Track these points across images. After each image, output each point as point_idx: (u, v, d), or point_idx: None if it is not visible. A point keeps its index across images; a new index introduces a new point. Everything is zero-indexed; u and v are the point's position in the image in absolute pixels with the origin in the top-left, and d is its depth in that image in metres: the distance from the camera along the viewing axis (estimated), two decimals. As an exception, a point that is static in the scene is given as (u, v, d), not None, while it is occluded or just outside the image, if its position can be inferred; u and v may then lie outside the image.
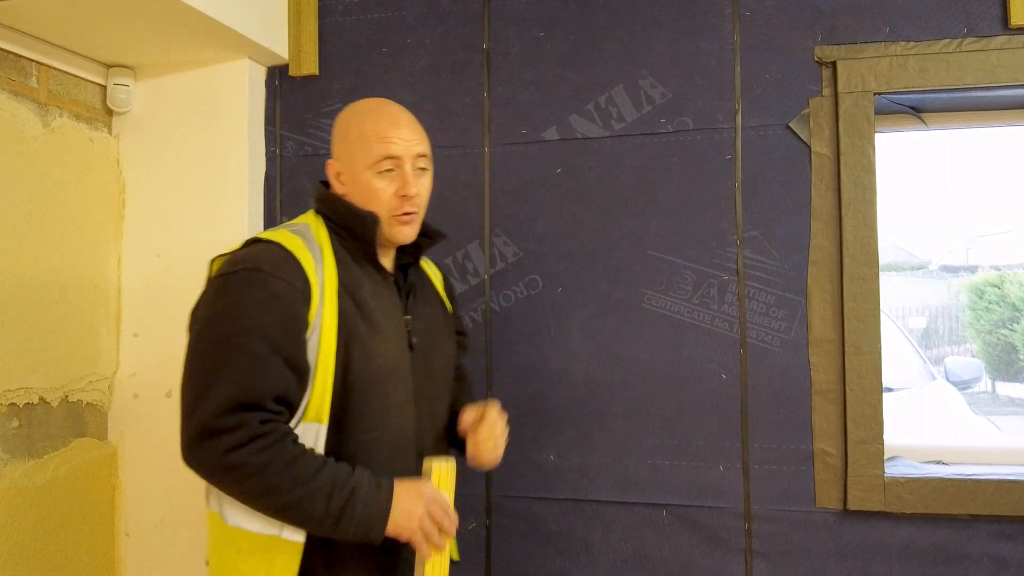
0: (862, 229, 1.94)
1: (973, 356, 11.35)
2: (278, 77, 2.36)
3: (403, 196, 1.46)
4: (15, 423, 2.03)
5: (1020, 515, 1.84)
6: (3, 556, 1.98)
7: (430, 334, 1.58)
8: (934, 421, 3.50)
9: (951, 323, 12.92)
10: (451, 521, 1.38)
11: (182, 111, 2.36)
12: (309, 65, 2.32)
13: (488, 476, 2.14)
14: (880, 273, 1.93)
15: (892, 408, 3.68)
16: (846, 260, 1.94)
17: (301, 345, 1.34)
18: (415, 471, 1.46)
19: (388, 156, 1.44)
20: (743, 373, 2.01)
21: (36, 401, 2.09)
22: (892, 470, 1.95)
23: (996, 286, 10.27)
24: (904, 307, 13.87)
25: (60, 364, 2.16)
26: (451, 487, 1.44)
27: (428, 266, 1.76)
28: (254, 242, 1.41)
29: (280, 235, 1.41)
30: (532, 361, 2.13)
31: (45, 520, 2.10)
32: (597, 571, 2.06)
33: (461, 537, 2.14)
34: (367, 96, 2.26)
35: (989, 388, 11.03)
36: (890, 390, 3.80)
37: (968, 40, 1.93)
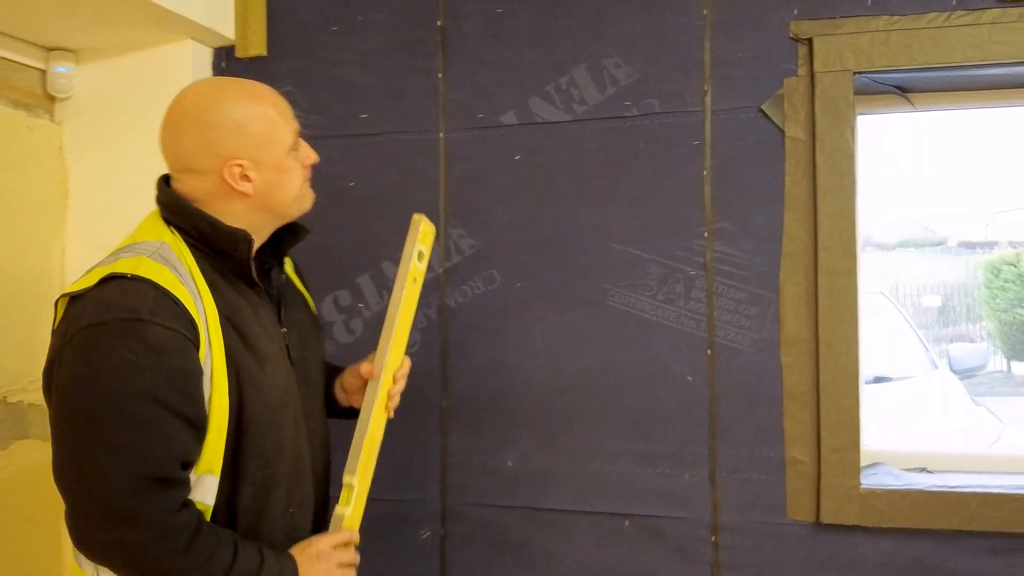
0: (839, 219, 1.79)
1: (989, 335, 11.15)
2: (225, 59, 2.23)
3: (309, 163, 1.40)
4: (-56, 427, 1.94)
5: (1007, 530, 1.71)
6: (-70, 567, 1.89)
7: (304, 342, 1.46)
8: (933, 413, 3.36)
9: (969, 301, 12.69)
10: (355, 558, 1.36)
11: (126, 96, 2.24)
12: (257, 46, 2.19)
13: (443, 482, 2.02)
14: (857, 268, 1.79)
15: (890, 399, 3.59)
16: (821, 253, 1.80)
17: (198, 400, 1.19)
18: (314, 493, 1.40)
19: (297, 131, 1.36)
20: (711, 374, 1.88)
21: (-29, 403, 2.00)
22: (870, 479, 1.82)
23: (1013, 264, 10.04)
24: (921, 285, 13.65)
25: (-2, 363, 2.06)
26: (429, 245, 1.53)
27: None
28: (112, 278, 1.17)
29: (144, 266, 1.18)
30: (490, 360, 2.00)
31: (-20, 528, 2.01)
32: (557, 583, 1.95)
33: (415, 546, 2.03)
34: (318, 78, 2.15)
35: (1005, 368, 10.85)
36: (889, 380, 3.66)
37: (957, 13, 1.77)
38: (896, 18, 1.79)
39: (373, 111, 2.10)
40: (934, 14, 1.78)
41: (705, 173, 1.89)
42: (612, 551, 1.92)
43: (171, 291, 1.18)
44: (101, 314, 1.14)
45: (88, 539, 1.15)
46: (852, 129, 1.80)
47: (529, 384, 1.98)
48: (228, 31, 2.20)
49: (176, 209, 1.29)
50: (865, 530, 1.78)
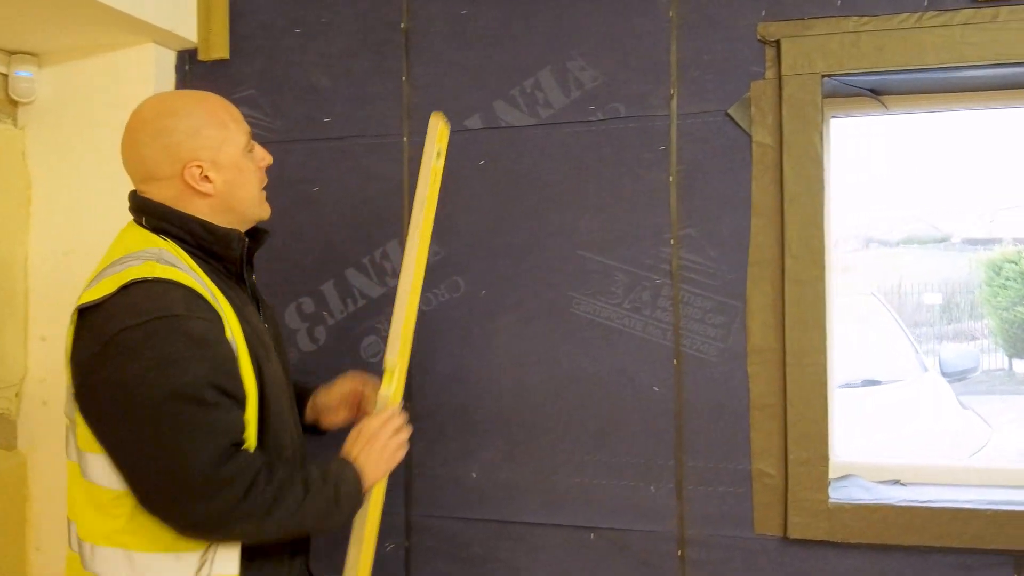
0: (807, 227, 1.74)
1: (991, 333, 11.07)
2: (188, 62, 2.19)
3: (263, 165, 1.45)
4: None
5: (977, 547, 1.66)
6: None
7: (279, 339, 1.53)
8: (919, 418, 3.30)
9: (972, 298, 12.61)
10: (401, 423, 1.47)
11: (89, 100, 2.20)
12: (219, 48, 2.15)
13: (407, 494, 1.98)
14: (826, 276, 1.74)
15: (877, 404, 3.54)
16: (788, 261, 1.75)
17: (240, 381, 1.27)
18: None
19: (249, 133, 1.42)
20: (677, 385, 1.84)
21: (-75, 414, 1.96)
22: (840, 493, 1.77)
23: (1014, 262, 9.96)
24: (923, 282, 13.58)
25: (-46, 373, 2.03)
26: (446, 144, 1.64)
27: None
28: (133, 284, 1.21)
29: (158, 269, 1.23)
30: (454, 369, 1.96)
31: (-65, 540, 1.98)
32: (522, 597, 1.91)
33: (379, 559, 1.99)
34: (281, 81, 2.11)
35: (1006, 366, 10.79)
36: (878, 383, 3.62)
37: (929, 14, 1.72)
38: (866, 19, 1.75)
39: (336, 115, 2.06)
40: (905, 15, 1.73)
41: (671, 179, 1.85)
42: (578, 565, 1.88)
43: (193, 288, 1.24)
44: (137, 316, 1.19)
45: (190, 517, 1.20)
46: (821, 134, 1.75)
47: (494, 394, 1.94)
48: (191, 34, 2.16)
49: (166, 215, 1.32)
50: (834, 545, 1.74)
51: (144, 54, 2.16)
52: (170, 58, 2.20)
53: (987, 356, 11.00)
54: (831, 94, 1.89)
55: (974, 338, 11.79)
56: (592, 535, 1.87)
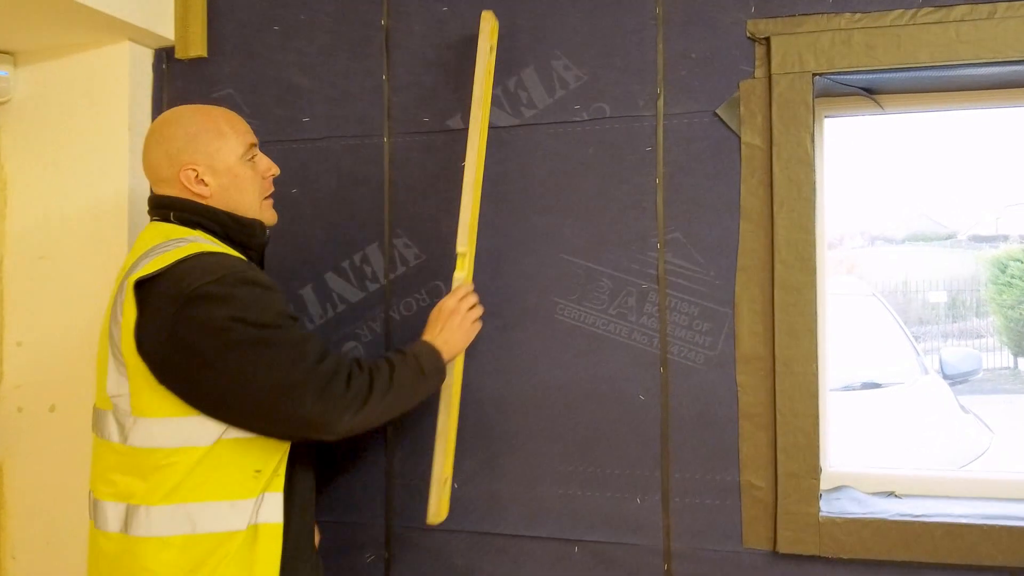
0: (797, 232, 1.68)
1: (996, 331, 10.99)
2: (165, 60, 2.13)
3: (269, 176, 1.59)
4: None
5: (971, 563, 1.60)
6: None
7: None
8: (918, 423, 3.24)
9: (978, 296, 12.52)
10: (475, 300, 1.71)
11: (65, 100, 2.15)
12: (196, 47, 2.10)
13: (388, 504, 1.93)
14: (817, 282, 1.68)
15: (875, 408, 3.48)
16: (778, 267, 1.69)
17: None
18: None
19: (251, 144, 1.54)
20: (664, 393, 1.78)
21: None
22: (832, 505, 1.72)
23: (1020, 260, 9.87)
24: (928, 280, 13.50)
25: (-77, 380, 1.99)
26: (496, 40, 1.81)
27: None
28: (187, 258, 1.35)
29: (207, 247, 1.40)
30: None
31: (-96, 552, 1.93)
32: (505, 611, 1.86)
33: (359, 571, 1.94)
34: (260, 81, 2.06)
35: (1011, 364, 10.71)
36: (878, 386, 3.55)
37: (924, 11, 1.66)
38: (859, 16, 1.69)
39: (315, 115, 2.01)
40: (899, 12, 1.67)
41: (658, 181, 1.79)
42: (561, 578, 1.83)
43: (241, 258, 1.44)
44: (209, 275, 1.32)
45: (309, 415, 1.33)
46: (812, 135, 1.69)
47: (476, 402, 1.88)
48: (168, 32, 2.11)
49: (196, 208, 1.48)
50: (824, 560, 1.68)
51: (120, 53, 2.10)
52: (147, 57, 2.15)
53: (992, 355, 10.93)
54: (823, 93, 1.84)
55: (979, 336, 11.72)
56: (576, 548, 1.82)
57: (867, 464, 1.91)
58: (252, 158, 1.53)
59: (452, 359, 1.64)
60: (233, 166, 1.50)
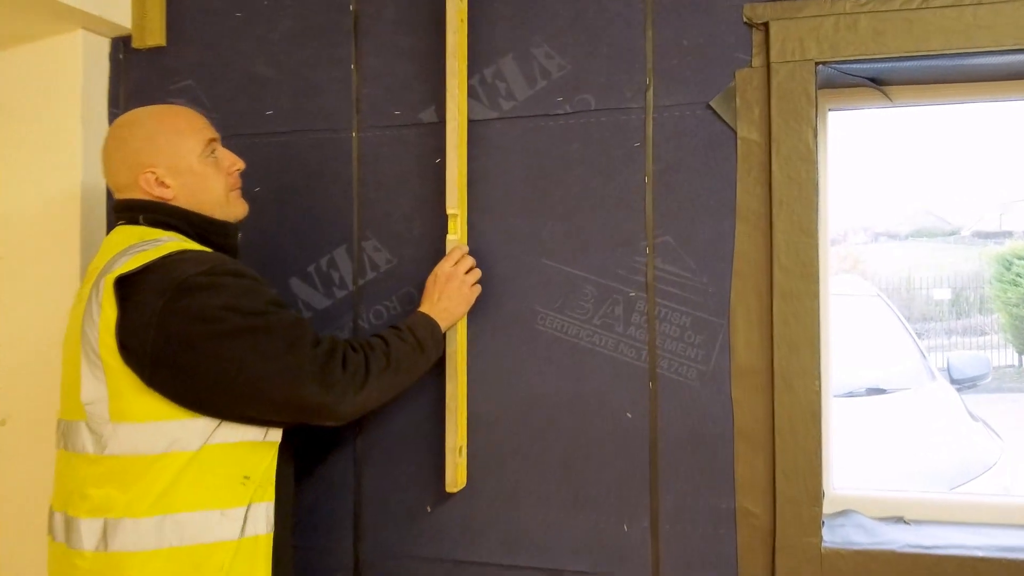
0: (797, 235, 1.54)
1: (1000, 329, 10.86)
2: (122, 50, 1.99)
3: (234, 171, 1.53)
4: None
5: (989, 600, 1.46)
6: None
7: None
8: (926, 432, 3.09)
9: (981, 292, 12.41)
10: (472, 263, 1.66)
11: (15, 92, 2.01)
12: (154, 35, 1.95)
13: (356, 530, 1.79)
14: (819, 289, 1.54)
15: (882, 415, 3.33)
16: (777, 273, 1.55)
17: None
18: None
19: (211, 139, 1.49)
20: (653, 410, 1.64)
21: None
22: (835, 534, 1.57)
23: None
24: (933, 276, 13.38)
25: None
26: None
27: None
28: (169, 255, 1.32)
29: (187, 244, 1.39)
30: (407, 390, 1.77)
31: None
32: (481, 644, 1.72)
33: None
34: (220, 70, 1.91)
35: (1016, 362, 10.60)
36: (884, 391, 3.41)
37: (938, -8, 1.51)
38: (866, -1, 1.54)
39: (279, 107, 1.87)
40: (910, -6, 1.52)
41: (647, 179, 1.65)
42: (542, 610, 1.69)
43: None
44: (196, 266, 1.30)
45: (309, 399, 1.32)
46: (814, 129, 1.55)
47: (451, 418, 1.74)
48: (124, 19, 1.97)
49: (167, 210, 1.43)
50: (827, 594, 1.54)
51: (73, 42, 1.97)
52: (103, 46, 2.01)
53: (997, 352, 10.82)
54: (826, 84, 1.69)
55: (983, 333, 11.61)
56: (558, 577, 1.68)
57: (873, 486, 1.77)
58: (213, 153, 1.49)
59: (451, 327, 1.62)
60: (194, 164, 1.45)
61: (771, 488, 1.56)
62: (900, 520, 1.67)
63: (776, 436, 1.55)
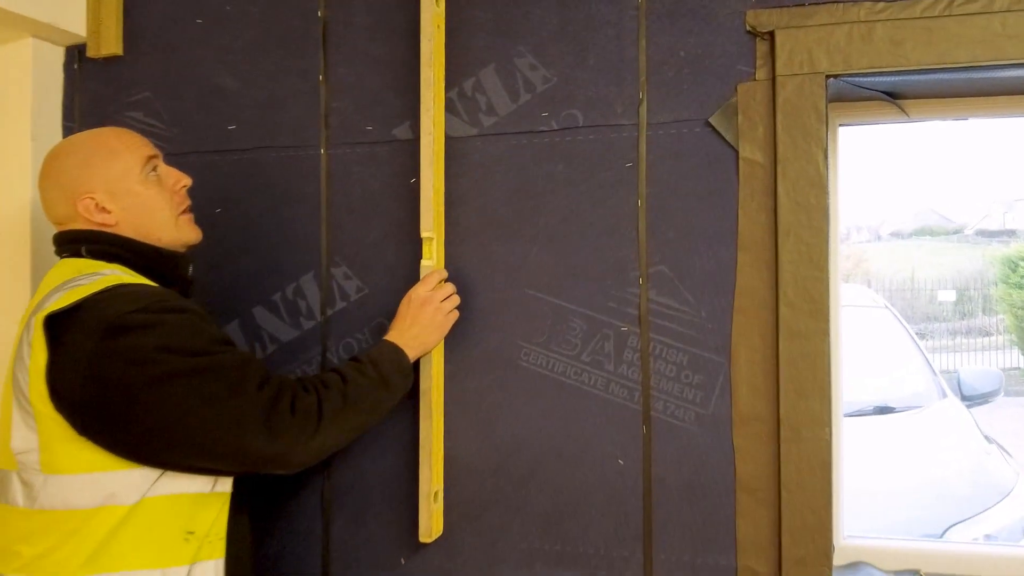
0: (806, 267, 1.39)
1: (1006, 330, 10.73)
2: (77, 59, 1.85)
3: (180, 188, 1.42)
4: None
5: (1019, 675, 1.32)
6: None
7: None
8: (936, 455, 2.94)
9: (986, 292, 12.31)
10: (451, 289, 1.53)
11: (-37, 103, 1.87)
12: (111, 44, 1.81)
13: (324, 579, 1.65)
14: (830, 328, 1.39)
15: (890, 436, 3.19)
16: (783, 309, 1.40)
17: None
18: None
19: (149, 156, 1.38)
20: (646, 457, 1.49)
21: None
22: (846, 594, 1.43)
23: (1029, 259, 9.59)
24: (937, 277, 13.27)
25: None
26: None
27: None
28: (108, 289, 1.22)
29: (126, 278, 1.28)
30: (377, 433, 1.63)
31: None
32: None
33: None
34: (180, 82, 1.77)
35: (1022, 365, 10.48)
36: (893, 410, 3.26)
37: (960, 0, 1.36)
38: (882, 5, 1.39)
39: (243, 121, 1.73)
40: (931, 0, 1.37)
41: (640, 203, 1.50)
42: (526, 673, 1.54)
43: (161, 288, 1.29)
44: (131, 304, 1.19)
45: (258, 452, 1.22)
46: (824, 149, 1.40)
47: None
48: (79, 28, 1.83)
49: (111, 239, 1.33)
50: (838, 663, 1.40)
51: (22, 51, 1.83)
52: (57, 55, 1.88)
53: (1002, 354, 10.71)
54: (837, 97, 1.55)
55: (988, 334, 11.50)
56: (543, 638, 1.53)
57: (887, 536, 1.62)
58: (155, 171, 1.38)
59: (423, 355, 1.50)
60: (133, 185, 1.35)
61: (776, 546, 1.42)
62: (915, 574, 1.53)
63: (782, 489, 1.40)
